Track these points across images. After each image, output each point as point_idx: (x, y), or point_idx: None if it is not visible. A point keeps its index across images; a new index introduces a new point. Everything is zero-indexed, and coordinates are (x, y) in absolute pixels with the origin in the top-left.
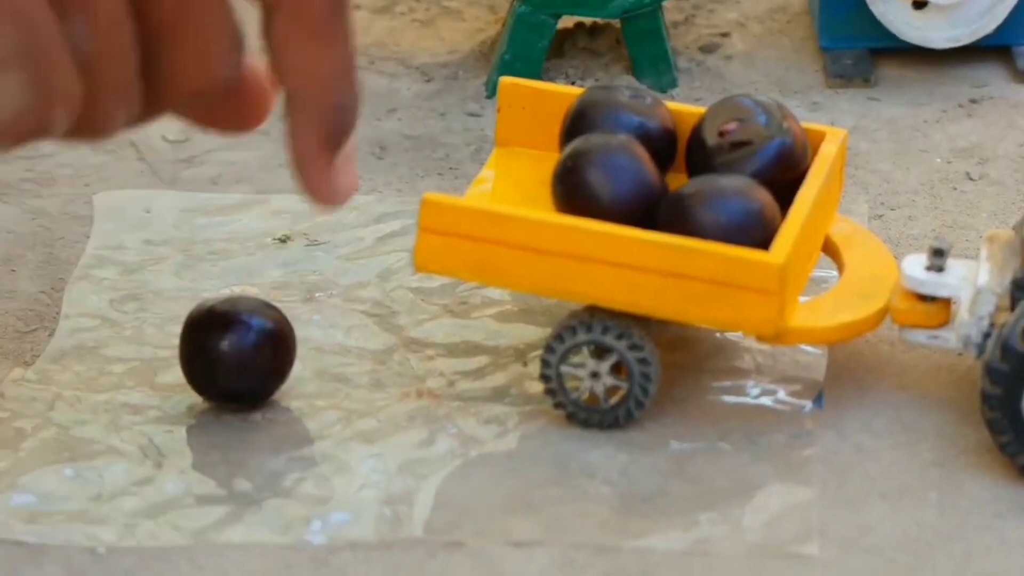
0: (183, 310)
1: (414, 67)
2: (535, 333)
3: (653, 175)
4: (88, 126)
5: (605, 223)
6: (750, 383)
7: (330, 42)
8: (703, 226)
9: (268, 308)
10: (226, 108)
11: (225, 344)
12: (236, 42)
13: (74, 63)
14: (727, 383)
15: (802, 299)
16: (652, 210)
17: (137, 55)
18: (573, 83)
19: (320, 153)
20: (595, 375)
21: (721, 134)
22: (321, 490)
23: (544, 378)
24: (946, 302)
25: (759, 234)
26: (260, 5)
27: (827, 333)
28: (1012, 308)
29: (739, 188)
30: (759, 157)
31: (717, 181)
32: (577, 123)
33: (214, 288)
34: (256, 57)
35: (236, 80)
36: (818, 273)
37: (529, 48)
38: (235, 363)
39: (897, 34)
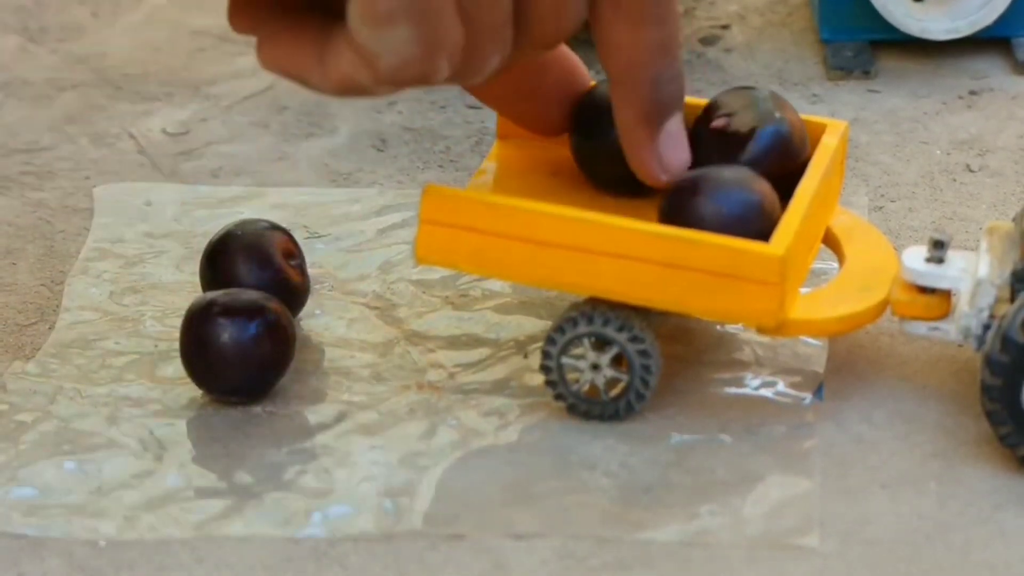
0: (183, 303)
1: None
2: (536, 325)
3: None
4: (467, 70)
5: (605, 215)
6: (750, 375)
7: (645, 20)
8: (704, 217)
9: (268, 301)
10: (547, 104)
11: (225, 337)
12: (581, 3)
13: (458, 12)
14: (727, 375)
15: (803, 291)
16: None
17: (510, 3)
18: None
19: (639, 127)
20: (596, 367)
21: (715, 128)
22: (322, 482)
23: (545, 370)
24: (946, 294)
25: (759, 225)
26: None
27: (827, 325)
28: (1012, 300)
29: (739, 180)
30: (754, 147)
31: (717, 173)
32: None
33: None
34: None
35: (573, 32)
36: (818, 265)
37: None
38: (235, 356)
39: (897, 26)
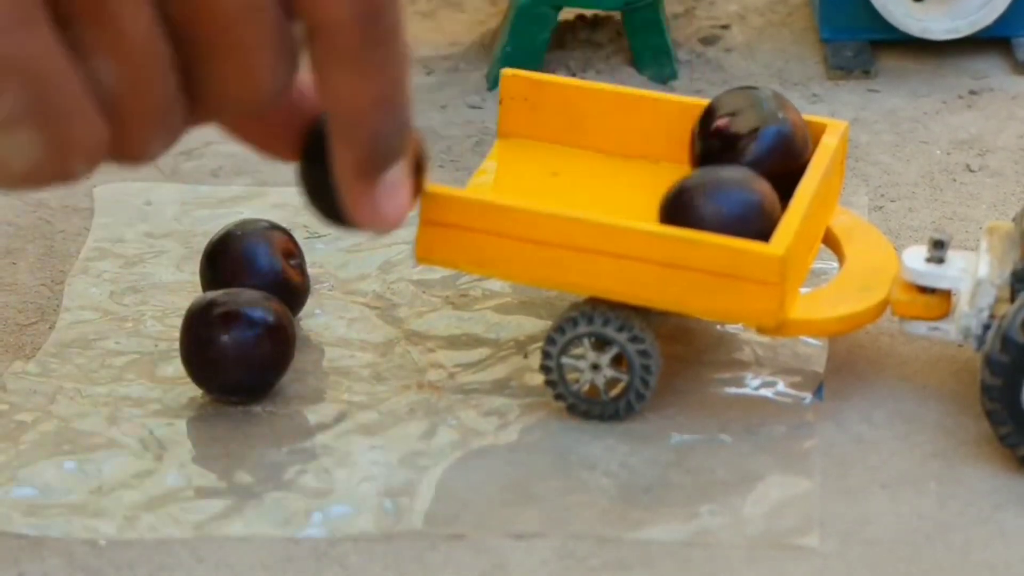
0: (184, 303)
1: (415, 59)
2: (536, 325)
3: None
4: (125, 155)
5: (605, 215)
6: (750, 375)
7: (365, 72)
8: (704, 218)
9: (268, 300)
10: (273, 125)
11: (225, 337)
12: (285, 55)
13: (98, 105)
14: (727, 375)
15: (803, 291)
16: None
17: (175, 78)
18: (574, 75)
19: (357, 178)
20: (596, 367)
21: (716, 128)
22: (322, 482)
23: (545, 370)
24: (946, 294)
25: (760, 226)
26: (303, 27)
27: (827, 325)
28: (1012, 300)
29: (739, 180)
30: (756, 147)
31: (717, 173)
32: None
33: None
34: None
35: (285, 93)
36: (819, 265)
37: (530, 40)
38: (236, 356)
39: (897, 26)
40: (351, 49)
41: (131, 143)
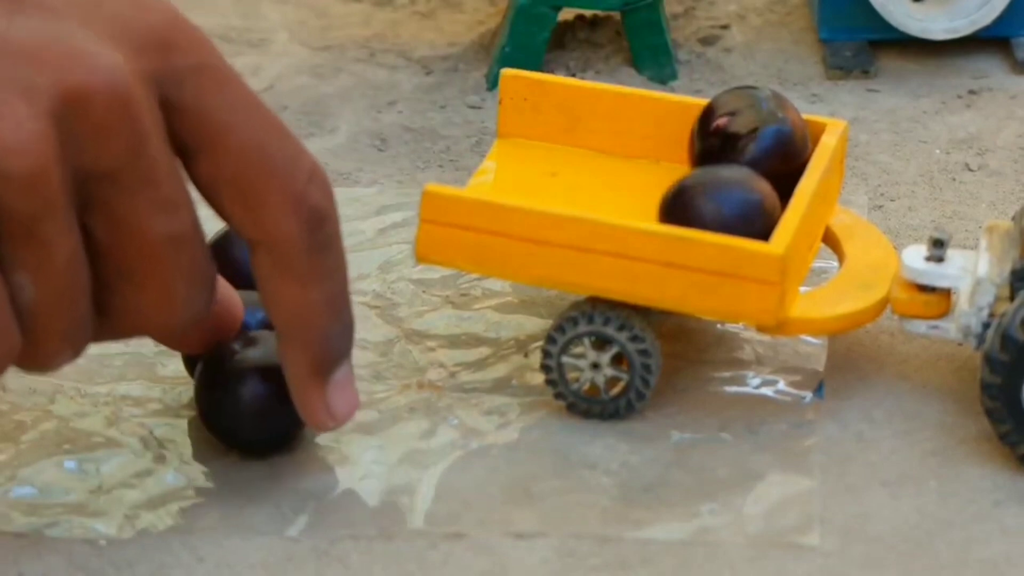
0: None
1: (414, 59)
2: (536, 324)
3: None
4: (31, 364)
5: (604, 215)
6: (751, 373)
7: (312, 279)
8: (704, 217)
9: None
10: (192, 334)
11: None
12: (204, 284)
13: (14, 316)
14: (728, 374)
15: (803, 290)
16: None
17: (89, 301)
18: (574, 75)
19: (310, 379)
20: (596, 366)
21: (716, 128)
22: (322, 482)
23: (545, 369)
24: (946, 292)
25: (760, 225)
26: (245, 240)
27: (827, 323)
28: (1011, 298)
29: (739, 179)
30: (755, 146)
31: (717, 172)
32: None
33: None
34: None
35: (200, 318)
36: (818, 264)
37: (530, 40)
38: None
39: (896, 25)
40: (299, 259)
41: (40, 355)
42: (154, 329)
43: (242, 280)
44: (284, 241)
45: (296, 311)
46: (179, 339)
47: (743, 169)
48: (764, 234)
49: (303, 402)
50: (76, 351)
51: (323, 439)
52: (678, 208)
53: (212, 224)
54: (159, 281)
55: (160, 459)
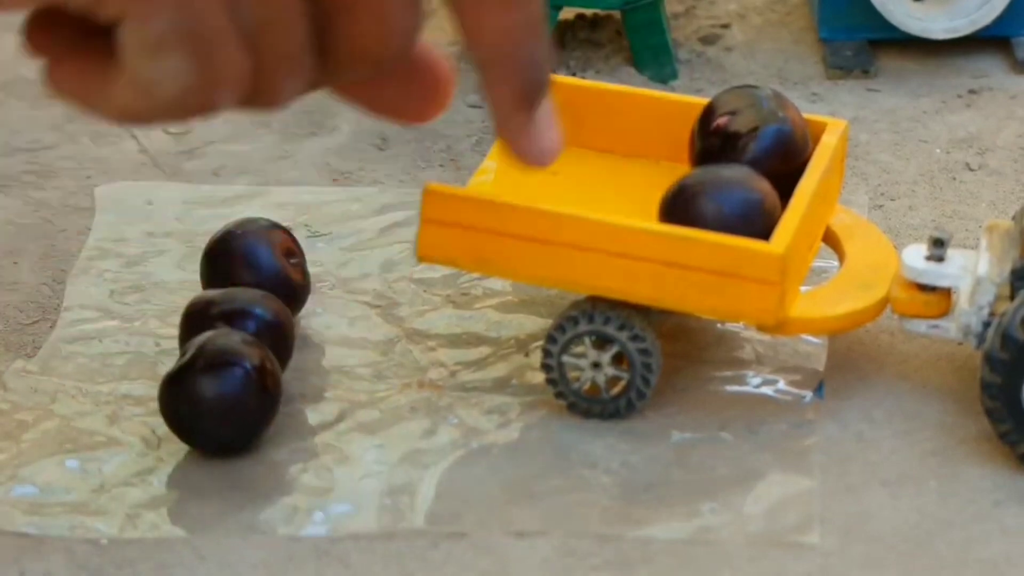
0: (185, 302)
1: None
2: (537, 324)
3: None
4: (259, 97)
5: (604, 214)
6: (751, 373)
7: (515, 1)
8: (704, 217)
9: (268, 299)
10: (400, 90)
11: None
12: (413, 6)
13: (240, 39)
14: (728, 373)
15: (803, 289)
16: None
17: (307, 25)
18: (574, 74)
19: (518, 110)
20: (596, 365)
21: (716, 127)
22: (323, 481)
23: (545, 368)
24: (946, 292)
25: (760, 224)
26: None
27: (828, 323)
28: (1012, 297)
29: (740, 179)
30: (756, 146)
31: (718, 172)
32: None
33: None
34: (432, 40)
35: (412, 49)
36: (819, 263)
37: None
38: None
39: (897, 25)
40: None
41: (267, 84)
42: (373, 57)
43: (244, 276)
44: None
45: (499, 36)
46: (388, 93)
47: (743, 168)
48: (764, 233)
49: (513, 138)
50: (299, 83)
51: (324, 438)
52: (678, 207)
53: (213, 223)
54: (370, 2)
55: (161, 458)
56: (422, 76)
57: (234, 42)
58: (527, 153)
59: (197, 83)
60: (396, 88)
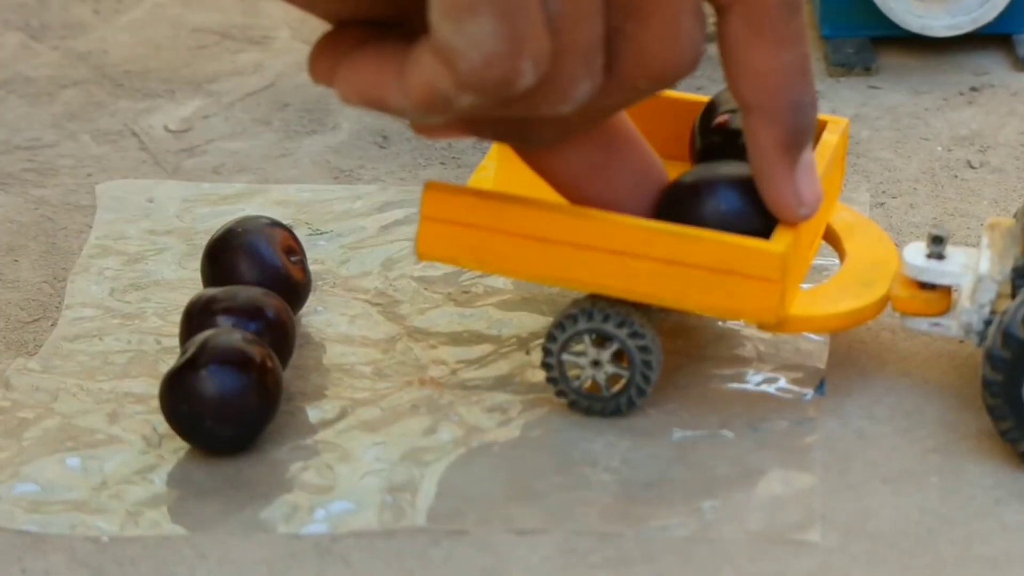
0: (186, 300)
1: None
2: (537, 322)
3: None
4: (552, 88)
5: (606, 212)
6: (752, 371)
7: (785, 41)
8: (703, 214)
9: (268, 297)
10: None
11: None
12: (702, 23)
13: (544, 19)
14: (729, 371)
15: (804, 287)
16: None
17: (604, 23)
18: None
19: (781, 156)
20: (597, 363)
21: (718, 125)
22: (324, 479)
23: (546, 367)
24: (947, 290)
25: (759, 222)
26: (714, 3)
27: (828, 321)
28: (1013, 295)
29: (739, 176)
30: None
31: (716, 169)
32: None
33: None
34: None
35: (695, 67)
36: (819, 261)
37: None
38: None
39: (898, 22)
40: (773, 18)
41: (561, 78)
42: (657, 71)
43: (245, 274)
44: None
45: (768, 77)
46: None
47: (743, 165)
48: (764, 231)
49: (771, 185)
50: (590, 83)
51: (324, 436)
52: (677, 204)
53: (213, 221)
54: (664, 11)
55: (162, 456)
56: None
57: (541, 19)
58: (783, 200)
59: (503, 50)
60: (613, 190)
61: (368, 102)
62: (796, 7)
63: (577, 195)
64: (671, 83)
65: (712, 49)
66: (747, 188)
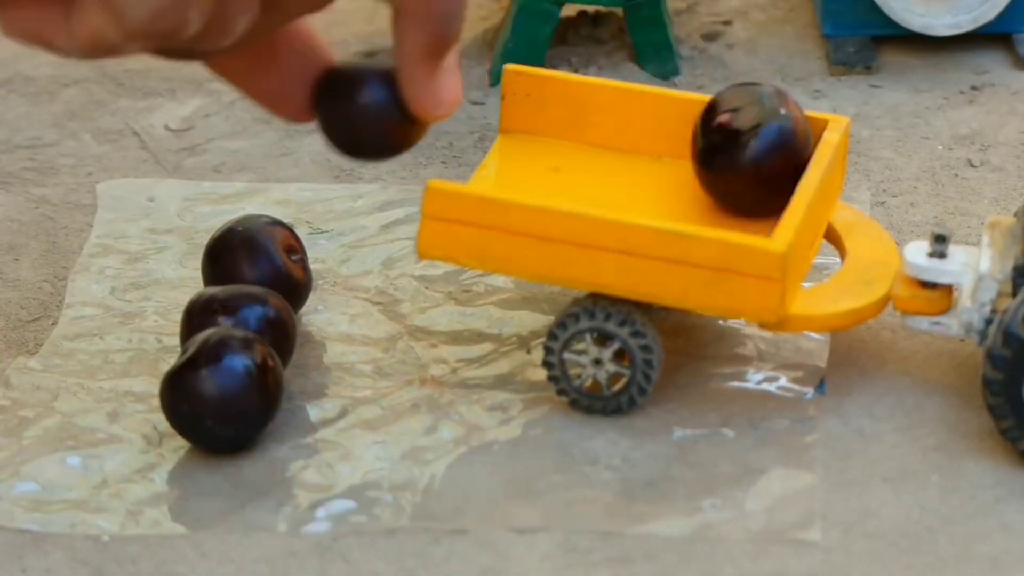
0: (186, 299)
1: None
2: (538, 321)
3: None
4: (213, 28)
5: (606, 211)
6: (752, 370)
7: None
8: (350, 105)
9: (269, 296)
10: (286, 83)
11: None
12: None
13: None
14: (729, 370)
15: (804, 286)
16: None
17: None
18: (576, 71)
19: (424, 60)
20: (598, 362)
21: (719, 124)
22: (325, 478)
23: (547, 365)
24: (948, 289)
25: (403, 114)
26: None
27: (829, 320)
28: (1014, 294)
29: (388, 70)
30: (757, 143)
31: (368, 62)
32: None
33: None
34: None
35: None
36: (820, 260)
37: (532, 36)
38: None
39: (899, 21)
40: None
41: (223, 14)
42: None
43: (245, 273)
44: None
45: None
46: (276, 87)
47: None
48: (409, 122)
49: (413, 87)
50: (250, 16)
51: (325, 435)
52: (329, 93)
53: (214, 220)
54: None
55: (163, 455)
56: (300, 73)
57: None
58: (422, 102)
59: (170, 3)
60: (278, 78)
61: (32, 41)
62: None
63: (245, 84)
64: (323, 6)
65: (713, 48)
66: (394, 82)
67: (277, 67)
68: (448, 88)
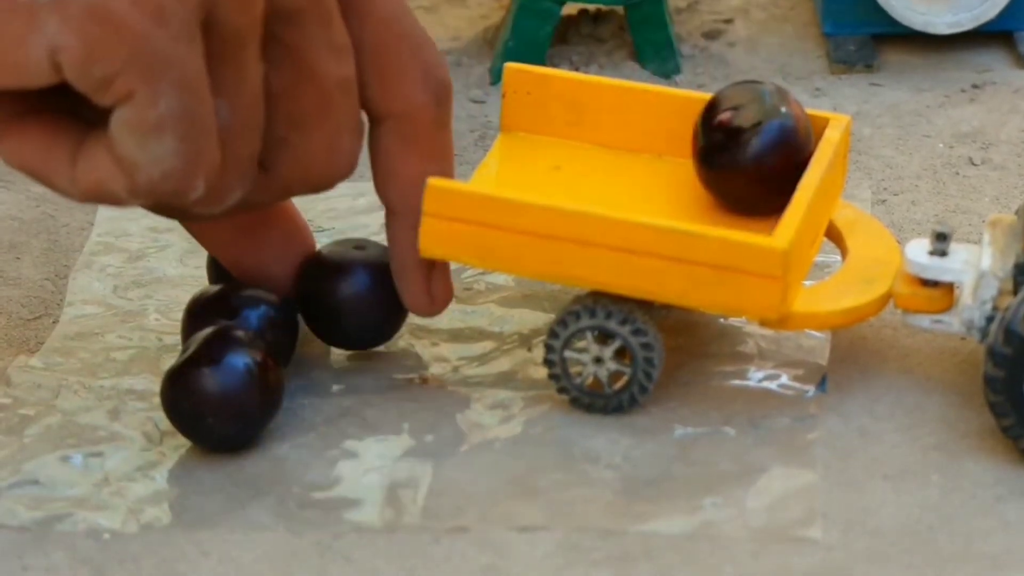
0: (187, 297)
1: None
2: (539, 319)
3: None
4: (211, 196)
5: (607, 209)
6: (753, 368)
7: (433, 153)
8: (337, 294)
9: (270, 294)
10: (267, 261)
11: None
12: (360, 135)
13: (218, 136)
14: (730, 368)
15: (805, 284)
16: None
17: (261, 139)
18: (577, 69)
19: (419, 262)
20: (599, 360)
21: (719, 122)
22: (326, 476)
23: (548, 363)
24: (949, 287)
25: (393, 306)
26: (369, 114)
27: (830, 318)
28: (1015, 292)
29: (376, 261)
30: (758, 141)
31: (352, 251)
32: None
33: None
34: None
35: (348, 175)
36: (821, 258)
37: (533, 35)
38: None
39: (900, 20)
40: (425, 131)
41: (221, 184)
42: (315, 179)
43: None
44: (415, 111)
45: (414, 186)
46: (259, 265)
47: (379, 247)
48: (397, 314)
49: (407, 284)
50: (243, 190)
51: (326, 433)
52: (314, 278)
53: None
54: (328, 126)
55: (164, 453)
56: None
57: (215, 136)
58: (417, 299)
59: (181, 168)
60: (259, 255)
61: (30, 173)
62: (444, 123)
63: (225, 254)
64: (324, 190)
65: (714, 47)
66: (383, 274)
67: (258, 244)
68: (441, 287)
